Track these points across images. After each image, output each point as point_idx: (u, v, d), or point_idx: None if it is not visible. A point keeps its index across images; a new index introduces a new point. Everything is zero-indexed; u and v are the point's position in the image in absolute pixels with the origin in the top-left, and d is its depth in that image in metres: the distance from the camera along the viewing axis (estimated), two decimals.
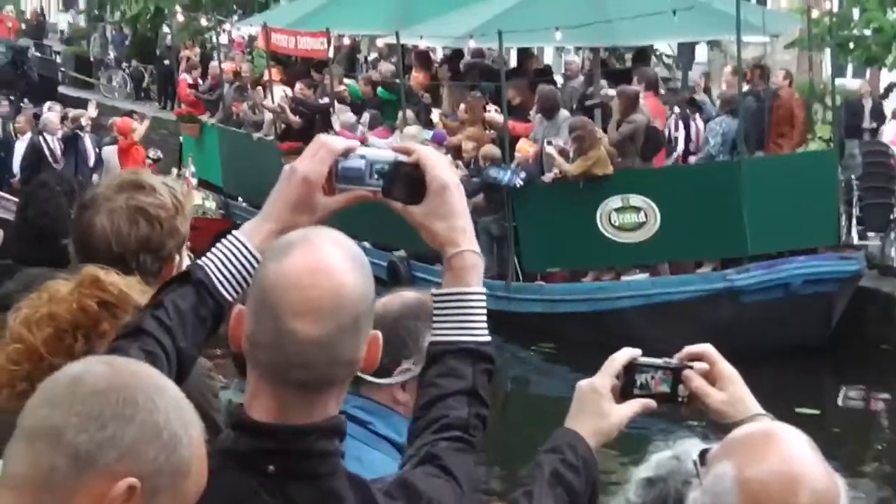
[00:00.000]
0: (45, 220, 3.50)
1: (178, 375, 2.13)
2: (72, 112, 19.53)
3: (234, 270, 2.20)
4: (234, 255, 2.22)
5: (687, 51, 20.49)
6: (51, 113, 19.48)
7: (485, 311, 2.23)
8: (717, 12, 15.64)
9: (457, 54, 19.34)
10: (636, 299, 14.53)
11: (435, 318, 2.24)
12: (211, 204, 16.62)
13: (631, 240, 14.69)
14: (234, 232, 2.24)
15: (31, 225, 3.59)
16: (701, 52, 24.13)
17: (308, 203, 2.24)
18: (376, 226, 16.69)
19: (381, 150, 2.32)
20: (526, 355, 15.25)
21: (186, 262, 3.07)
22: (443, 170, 2.23)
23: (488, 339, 2.23)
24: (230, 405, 2.87)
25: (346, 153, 2.24)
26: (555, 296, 15.03)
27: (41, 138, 18.52)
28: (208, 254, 2.23)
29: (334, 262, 2.03)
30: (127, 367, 1.62)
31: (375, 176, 2.24)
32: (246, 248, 2.21)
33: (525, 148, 15.24)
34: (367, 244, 16.37)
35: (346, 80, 19.66)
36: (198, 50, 27.12)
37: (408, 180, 2.23)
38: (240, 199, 19.42)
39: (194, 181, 16.59)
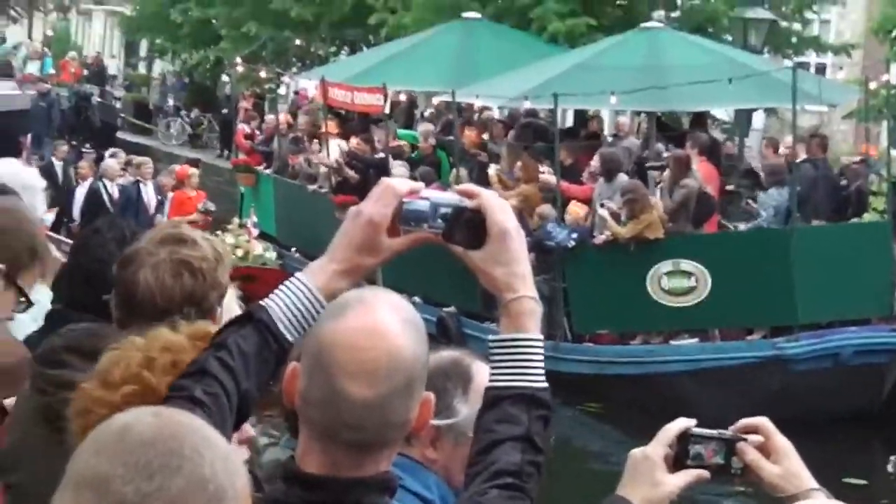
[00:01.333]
0: (96, 265, 3.53)
1: (239, 416, 2.16)
2: (135, 159, 19.55)
3: (297, 312, 2.20)
4: (297, 297, 2.22)
5: (744, 116, 20.49)
6: (111, 160, 19.53)
7: (542, 357, 2.23)
8: (774, 81, 15.67)
9: (512, 115, 19.48)
10: (685, 364, 14.47)
11: (492, 364, 2.23)
12: (272, 255, 16.43)
13: (681, 304, 14.66)
14: (297, 274, 2.26)
15: (81, 269, 3.62)
16: (758, 119, 24.13)
17: (372, 244, 2.25)
18: (427, 281, 16.84)
19: (445, 193, 2.33)
20: (572, 414, 15.22)
21: (228, 312, 3.08)
22: (504, 215, 2.23)
23: (545, 385, 2.22)
24: (269, 463, 2.90)
25: (411, 195, 2.25)
26: (604, 357, 15.00)
27: (101, 184, 18.62)
28: (272, 295, 2.24)
29: (389, 324, 2.04)
30: (174, 418, 1.61)
31: (439, 220, 2.25)
32: (309, 290, 2.22)
33: (576, 210, 15.28)
34: (417, 299, 16.46)
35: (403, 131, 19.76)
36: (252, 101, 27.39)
37: (469, 225, 2.23)
38: (293, 249, 19.55)
39: (255, 231, 16.43)
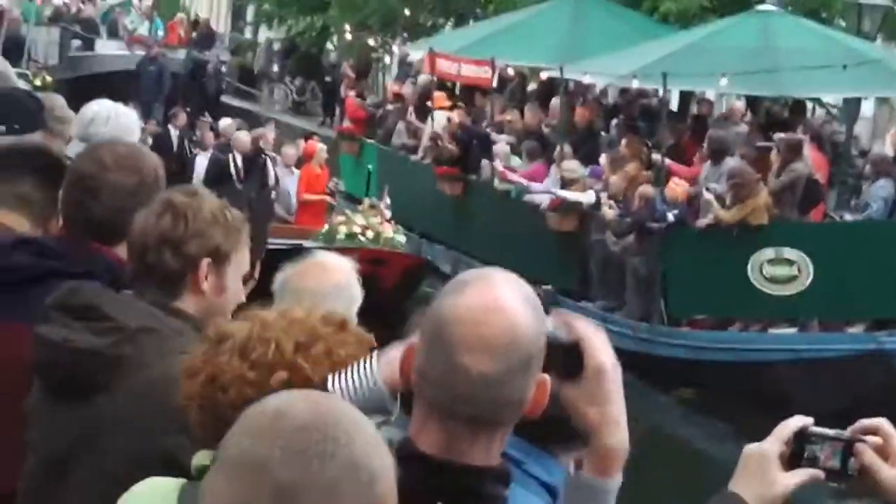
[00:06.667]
0: None
1: None
2: (255, 132, 19.22)
3: (356, 401, 2.15)
4: (362, 386, 2.23)
5: (853, 104, 20.17)
6: (242, 132, 19.06)
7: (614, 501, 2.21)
8: (890, 70, 15.41)
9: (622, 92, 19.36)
10: (783, 353, 14.32)
11: (568, 501, 2.22)
12: (401, 238, 15.98)
13: (781, 292, 14.50)
14: (372, 359, 2.25)
15: None
16: (867, 107, 23.75)
17: None
18: (525, 258, 16.82)
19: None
20: (665, 401, 15.12)
21: (233, 285, 3.09)
22: (603, 352, 2.19)
23: None
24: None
25: None
26: (700, 342, 14.88)
27: (231, 156, 18.18)
28: (341, 377, 2.24)
29: (510, 300, 2.04)
30: (326, 403, 1.62)
31: None
32: (376, 383, 2.22)
33: (675, 188, 15.17)
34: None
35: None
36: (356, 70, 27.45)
37: (566, 359, 2.18)
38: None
39: (388, 213, 16.11)
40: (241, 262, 3.10)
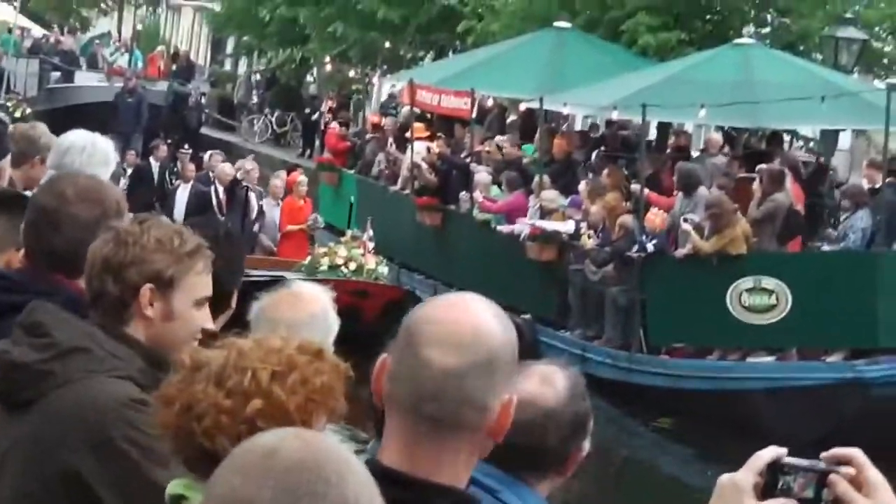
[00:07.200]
0: None
1: None
2: (245, 164, 19.12)
3: None
4: None
5: (830, 136, 20.30)
6: (226, 164, 19.01)
7: None
8: (866, 101, 15.53)
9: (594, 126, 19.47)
10: (761, 382, 14.36)
11: None
12: (384, 269, 15.88)
13: (760, 322, 14.56)
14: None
15: None
16: (844, 139, 23.89)
17: None
18: (504, 288, 16.85)
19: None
20: (644, 431, 15.15)
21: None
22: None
23: None
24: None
25: None
26: (679, 371, 14.90)
27: (212, 188, 18.09)
28: None
29: (478, 307, 2.13)
30: (318, 443, 1.61)
31: None
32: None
33: (653, 218, 15.25)
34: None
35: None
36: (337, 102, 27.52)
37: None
38: None
39: (371, 245, 16.03)
40: (194, 287, 3.07)
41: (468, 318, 2.09)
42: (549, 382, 2.66)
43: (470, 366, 2.06)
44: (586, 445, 2.65)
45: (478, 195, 17.68)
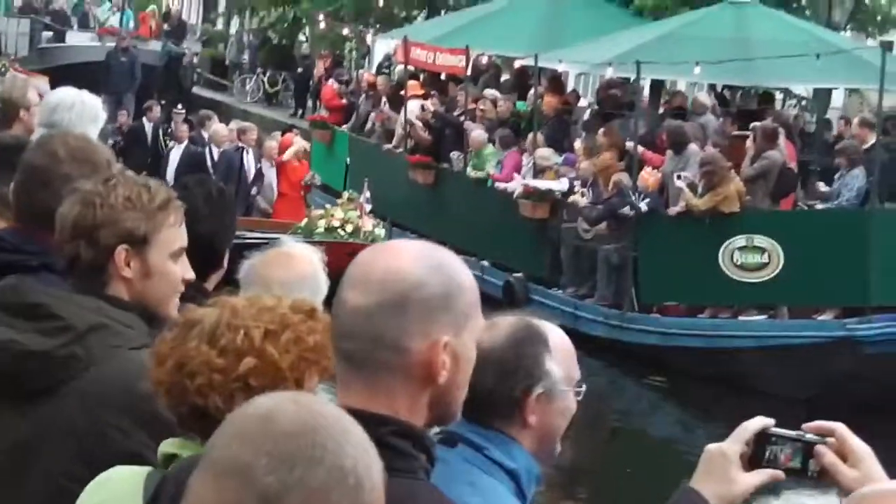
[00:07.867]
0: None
1: None
2: (241, 125, 18.84)
3: None
4: None
5: (823, 94, 20.28)
6: (221, 125, 18.66)
7: None
8: (862, 61, 15.50)
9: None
10: (752, 340, 14.38)
11: None
12: (380, 231, 15.72)
13: (752, 280, 14.58)
14: None
15: None
16: (837, 97, 23.90)
17: None
18: (496, 246, 16.85)
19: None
20: (636, 389, 15.21)
21: (163, 266, 3.02)
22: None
23: None
24: None
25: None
26: (670, 329, 14.95)
27: (207, 150, 17.75)
28: None
29: (403, 250, 2.13)
30: (315, 408, 1.59)
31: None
32: None
33: (647, 177, 15.24)
34: (485, 263, 16.52)
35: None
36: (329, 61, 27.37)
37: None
38: None
39: (368, 207, 15.97)
40: (168, 241, 3.02)
41: (383, 259, 2.11)
42: (493, 327, 2.61)
43: (377, 304, 2.06)
44: (538, 391, 2.60)
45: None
